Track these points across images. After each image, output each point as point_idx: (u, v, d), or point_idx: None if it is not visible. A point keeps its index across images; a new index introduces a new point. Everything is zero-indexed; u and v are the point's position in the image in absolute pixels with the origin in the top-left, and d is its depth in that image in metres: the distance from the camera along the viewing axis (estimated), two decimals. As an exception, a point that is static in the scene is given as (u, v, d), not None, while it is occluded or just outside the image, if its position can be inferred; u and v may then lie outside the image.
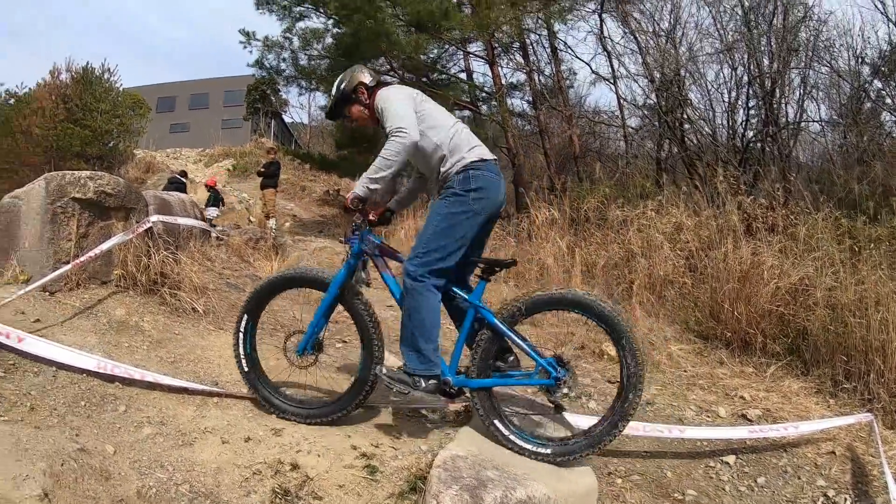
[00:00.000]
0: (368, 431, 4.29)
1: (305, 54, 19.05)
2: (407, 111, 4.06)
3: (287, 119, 54.44)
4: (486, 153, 4.24)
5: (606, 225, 9.99)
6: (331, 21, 18.49)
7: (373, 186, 4.03)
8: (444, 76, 20.46)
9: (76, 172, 6.22)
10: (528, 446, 3.94)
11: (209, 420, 4.16)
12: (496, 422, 3.99)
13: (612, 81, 17.71)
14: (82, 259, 5.78)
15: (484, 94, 20.27)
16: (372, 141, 20.41)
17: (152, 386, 4.50)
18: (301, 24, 18.78)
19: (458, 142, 4.20)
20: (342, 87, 4.39)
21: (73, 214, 5.98)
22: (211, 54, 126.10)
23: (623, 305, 8.10)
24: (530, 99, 19.87)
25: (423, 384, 3.98)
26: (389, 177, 4.06)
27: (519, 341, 4.03)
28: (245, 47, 19.35)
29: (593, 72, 18.52)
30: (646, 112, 17.38)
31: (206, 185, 21.09)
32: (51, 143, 26.32)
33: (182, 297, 6.30)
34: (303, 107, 47.62)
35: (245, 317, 4.45)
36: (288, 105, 49.27)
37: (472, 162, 4.12)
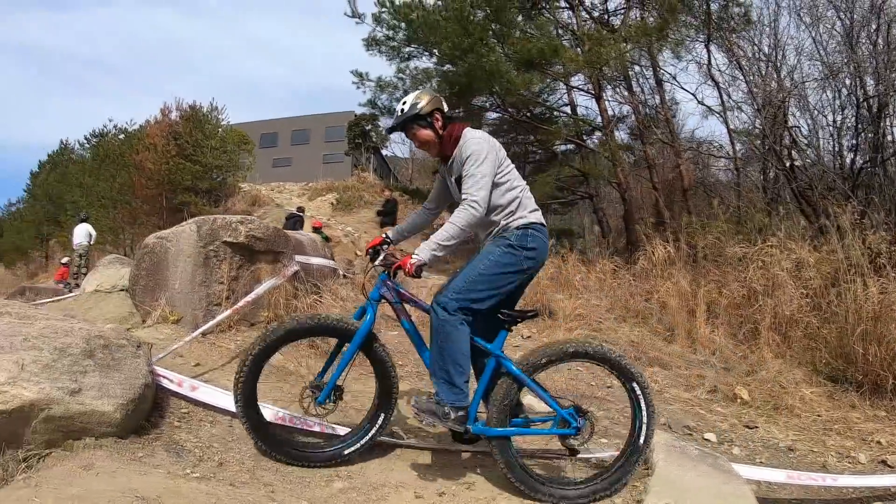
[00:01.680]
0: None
1: (417, 94, 19.39)
2: (489, 180, 4.07)
3: (387, 153, 55.21)
4: (542, 218, 4.35)
5: (725, 262, 9.81)
6: (434, 59, 18.76)
7: (440, 254, 4.03)
8: (547, 110, 20.44)
9: (226, 217, 6.47)
10: (556, 491, 4.06)
11: (398, 473, 4.23)
12: (518, 471, 4.01)
13: (721, 113, 17.42)
14: (240, 304, 5.93)
15: (587, 128, 20.19)
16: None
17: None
18: (411, 64, 19.09)
19: (524, 201, 4.27)
20: (419, 105, 4.26)
21: (225, 258, 6.21)
22: (313, 93, 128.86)
23: (749, 346, 7.96)
24: (635, 131, 19.70)
25: (452, 415, 3.96)
26: (455, 245, 4.10)
27: (540, 391, 4.09)
28: (358, 87, 19.69)
29: (700, 102, 18.12)
30: (751, 141, 17.03)
31: (313, 227, 21.47)
32: (163, 177, 27.44)
33: (330, 339, 6.35)
34: (404, 142, 47.60)
35: (250, 368, 4.07)
36: (388, 140, 49.89)
37: (532, 223, 4.23)
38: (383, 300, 4.35)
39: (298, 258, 6.99)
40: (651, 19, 17.12)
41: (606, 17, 19.35)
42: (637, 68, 19.11)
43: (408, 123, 4.34)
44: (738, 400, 6.56)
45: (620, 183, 17.53)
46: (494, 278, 4.10)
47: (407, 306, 4.40)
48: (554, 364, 4.18)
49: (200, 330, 5.67)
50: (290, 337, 4.24)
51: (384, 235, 4.69)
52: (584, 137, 19.78)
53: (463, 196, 4.04)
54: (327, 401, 4.22)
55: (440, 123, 4.32)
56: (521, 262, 4.14)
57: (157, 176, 27.55)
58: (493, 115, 20.28)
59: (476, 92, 17.74)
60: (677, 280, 9.31)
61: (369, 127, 47.59)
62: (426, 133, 4.32)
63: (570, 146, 20.06)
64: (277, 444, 4.20)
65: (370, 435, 4.30)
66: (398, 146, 47.10)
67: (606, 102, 18.76)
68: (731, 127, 17.41)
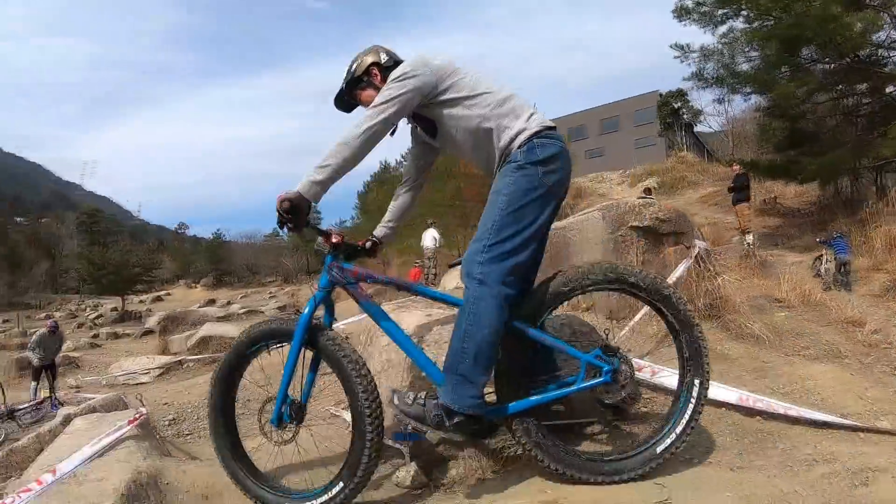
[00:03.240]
0: None
1: (744, 57, 18.38)
2: (397, 95, 3.19)
3: (704, 128, 53.57)
4: (548, 121, 3.32)
5: None
6: (747, 18, 17.81)
7: (320, 177, 3.08)
8: (875, 49, 18.21)
9: (628, 200, 6.57)
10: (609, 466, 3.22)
11: (868, 457, 3.66)
12: (553, 450, 3.19)
13: None
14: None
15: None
16: (816, 139, 19.06)
17: (789, 420, 4.18)
18: (735, 26, 18.25)
19: (510, 109, 3.30)
20: (352, 69, 3.61)
21: (632, 242, 6.29)
22: (613, 79, 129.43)
23: None
24: None
25: (454, 420, 3.12)
26: (339, 171, 3.12)
27: (547, 338, 3.24)
28: (682, 61, 19.26)
29: None
30: None
31: None
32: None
33: (740, 321, 5.90)
34: (719, 114, 45.17)
35: (216, 392, 3.69)
36: (702, 115, 48.26)
37: (536, 132, 3.23)
38: (335, 286, 3.54)
39: (699, 242, 6.80)
40: None
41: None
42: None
43: (349, 93, 3.68)
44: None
45: None
46: (519, 213, 3.17)
47: (364, 285, 3.58)
48: (560, 301, 3.32)
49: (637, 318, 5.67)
50: (242, 357, 3.64)
51: (371, 236, 3.91)
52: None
53: None
54: (282, 421, 3.47)
55: (379, 78, 3.56)
56: (540, 179, 3.19)
57: (481, 179, 29.09)
58: (819, 66, 18.59)
59: (804, 43, 16.58)
60: None
61: (679, 104, 46.53)
62: (367, 94, 3.57)
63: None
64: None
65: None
66: (713, 119, 45.13)
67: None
68: None
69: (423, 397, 3.25)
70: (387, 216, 3.96)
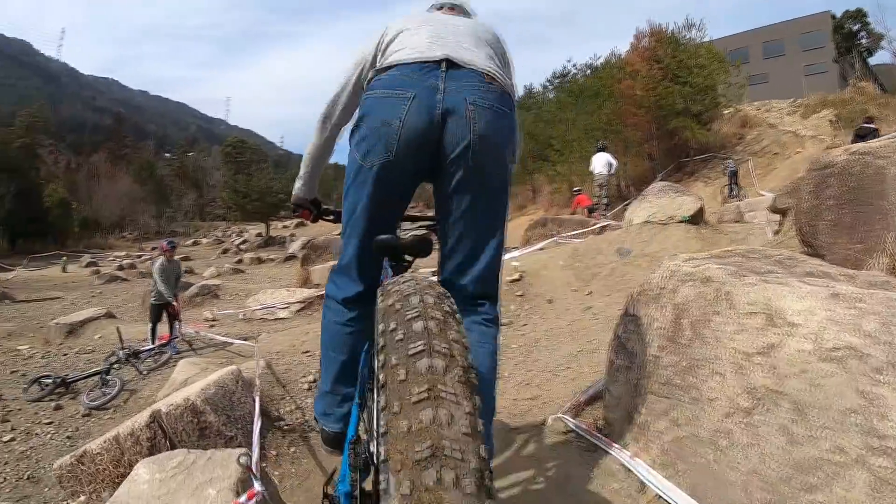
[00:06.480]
0: None
1: None
2: (343, 69, 2.85)
3: (882, 58, 48.90)
4: (397, 57, 2.53)
5: None
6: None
7: (299, 174, 3.17)
8: None
9: None
10: None
11: None
12: None
13: None
14: None
15: None
16: None
17: None
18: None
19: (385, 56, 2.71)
20: None
21: None
22: None
23: None
24: None
25: (317, 426, 2.91)
26: (309, 164, 3.09)
27: None
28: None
29: None
30: None
31: None
32: (651, 102, 26.90)
33: None
34: None
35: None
36: (886, 39, 43.71)
37: (367, 92, 2.57)
38: None
39: None
40: None
41: None
42: None
43: None
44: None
45: None
46: (349, 208, 2.64)
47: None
48: None
49: None
50: None
51: None
52: None
53: None
54: None
55: None
56: (355, 157, 2.52)
57: (645, 102, 27.19)
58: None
59: None
60: None
61: (858, 27, 42.67)
62: None
63: None
64: None
65: None
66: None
67: None
68: None
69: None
70: None
